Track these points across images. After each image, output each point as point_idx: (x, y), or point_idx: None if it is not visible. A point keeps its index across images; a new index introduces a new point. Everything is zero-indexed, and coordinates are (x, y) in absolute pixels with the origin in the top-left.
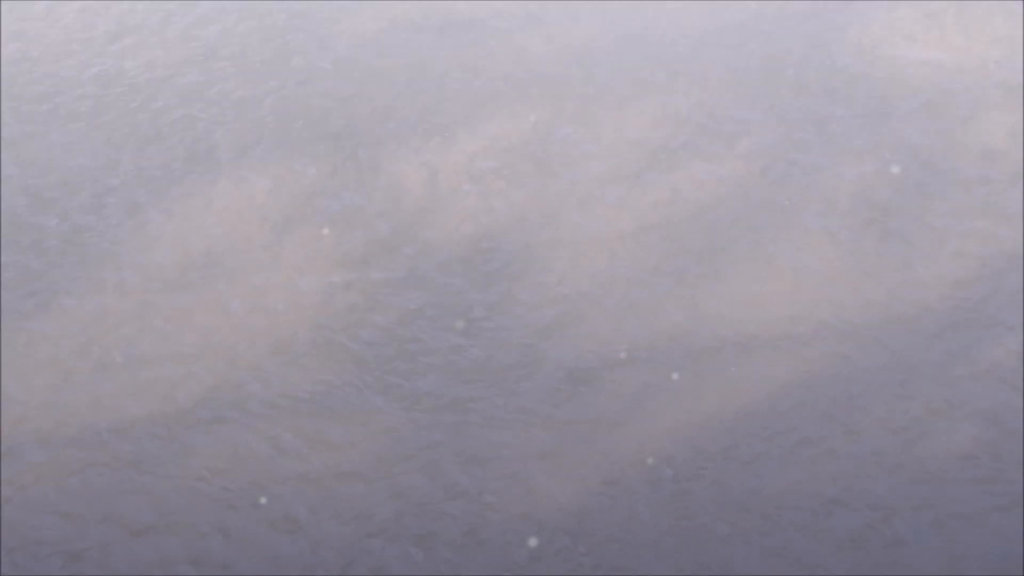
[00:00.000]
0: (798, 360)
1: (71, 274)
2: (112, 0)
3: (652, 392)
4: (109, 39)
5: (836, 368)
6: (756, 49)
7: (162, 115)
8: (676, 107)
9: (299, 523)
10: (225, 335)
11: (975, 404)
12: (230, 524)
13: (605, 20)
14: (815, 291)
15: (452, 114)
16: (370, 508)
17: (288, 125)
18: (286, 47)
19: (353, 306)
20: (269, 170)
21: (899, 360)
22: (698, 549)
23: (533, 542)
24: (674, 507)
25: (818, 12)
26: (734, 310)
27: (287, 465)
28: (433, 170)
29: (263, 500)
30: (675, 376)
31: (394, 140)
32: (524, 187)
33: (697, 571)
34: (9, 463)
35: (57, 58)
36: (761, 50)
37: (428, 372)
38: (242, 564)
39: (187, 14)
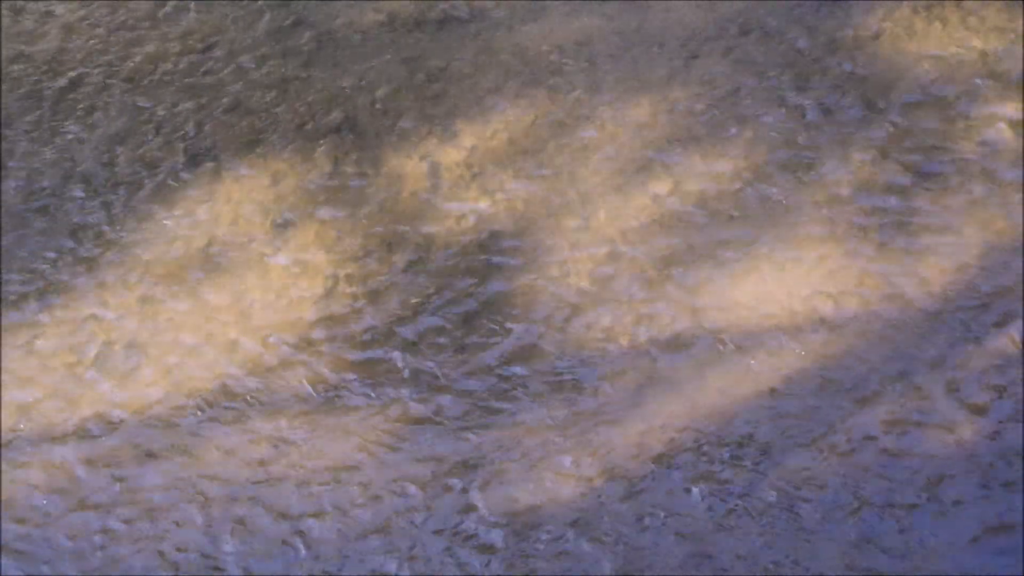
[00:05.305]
0: (798, 353)
1: (72, 269)
2: None
3: (653, 387)
4: (105, 34)
5: (836, 361)
6: (756, 43)
7: (160, 109)
8: (676, 100)
9: (301, 518)
10: (226, 330)
11: (976, 395)
12: (236, 519)
13: (605, 13)
14: (815, 284)
15: (453, 108)
16: (370, 501)
17: (288, 120)
18: (286, 41)
19: (355, 299)
20: (269, 165)
21: (900, 352)
22: (698, 543)
23: (540, 538)
24: (675, 502)
25: (819, 6)
26: (734, 303)
27: (288, 460)
28: (434, 164)
29: (267, 494)
30: (676, 370)
31: (395, 134)
32: (525, 181)
33: (698, 565)
34: (9, 459)
35: (53, 55)
36: (761, 44)
37: (429, 365)
38: (253, 559)
39: (184, 8)
